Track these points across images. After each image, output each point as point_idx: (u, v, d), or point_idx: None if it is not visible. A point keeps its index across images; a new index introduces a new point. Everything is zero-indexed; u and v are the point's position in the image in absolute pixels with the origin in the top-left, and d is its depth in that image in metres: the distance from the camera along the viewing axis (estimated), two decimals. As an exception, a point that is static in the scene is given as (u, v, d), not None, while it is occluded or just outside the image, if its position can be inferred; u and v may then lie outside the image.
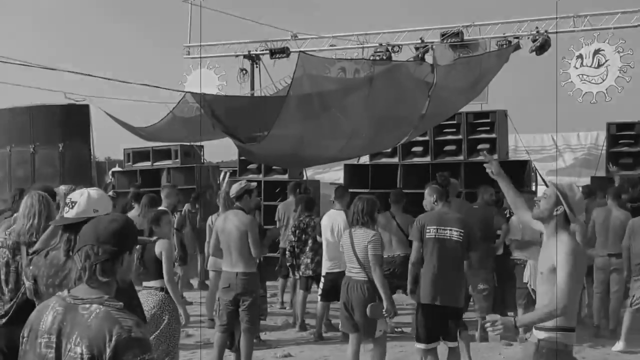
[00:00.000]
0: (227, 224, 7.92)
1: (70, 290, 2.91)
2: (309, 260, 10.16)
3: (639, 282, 9.19)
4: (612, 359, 8.92)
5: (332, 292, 9.60)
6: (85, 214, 3.80)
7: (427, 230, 7.28)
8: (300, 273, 10.29)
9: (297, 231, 10.31)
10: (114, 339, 2.69)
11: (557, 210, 4.66)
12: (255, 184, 8.57)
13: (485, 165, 5.38)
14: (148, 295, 6.61)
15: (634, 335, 9.15)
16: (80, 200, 3.93)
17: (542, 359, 4.57)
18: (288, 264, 10.57)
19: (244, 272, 7.80)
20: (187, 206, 13.36)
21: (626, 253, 9.35)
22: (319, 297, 9.82)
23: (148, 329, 2.91)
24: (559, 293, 4.41)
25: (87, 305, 2.80)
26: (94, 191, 4.02)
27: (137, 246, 7.08)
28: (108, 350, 2.68)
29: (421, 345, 7.32)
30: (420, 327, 7.32)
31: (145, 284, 6.76)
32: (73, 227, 3.85)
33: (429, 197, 7.54)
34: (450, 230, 7.23)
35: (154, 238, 6.88)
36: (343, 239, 7.59)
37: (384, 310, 7.09)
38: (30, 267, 4.19)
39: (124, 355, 2.68)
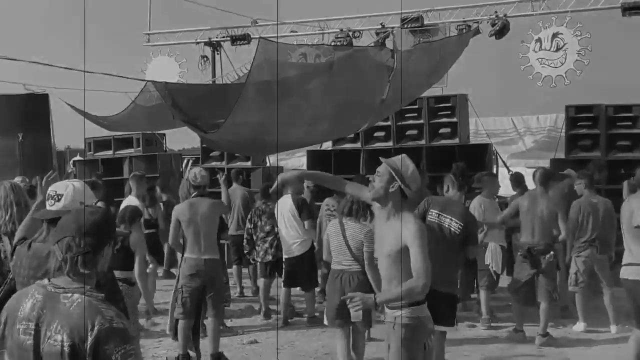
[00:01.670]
0: (194, 211, 7.89)
1: (50, 279, 2.90)
2: (267, 246, 10.08)
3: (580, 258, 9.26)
4: (573, 339, 9.07)
5: (293, 277, 9.67)
6: (73, 207, 3.80)
7: (430, 213, 7.05)
8: (259, 259, 10.25)
9: (253, 218, 10.29)
10: (96, 328, 2.69)
11: (392, 188, 4.63)
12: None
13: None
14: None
15: (594, 314, 9.33)
16: (66, 193, 3.92)
17: (401, 333, 4.61)
18: (246, 252, 10.53)
19: (212, 259, 7.86)
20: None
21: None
22: (282, 283, 9.85)
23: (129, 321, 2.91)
24: (419, 271, 4.42)
25: (69, 295, 2.80)
26: (78, 183, 4.03)
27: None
28: (90, 339, 2.69)
29: None
30: None
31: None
32: (58, 221, 3.84)
33: (445, 185, 7.43)
34: (450, 219, 6.93)
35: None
36: (330, 229, 7.34)
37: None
38: (14, 257, 4.17)
39: (106, 345, 2.69)
